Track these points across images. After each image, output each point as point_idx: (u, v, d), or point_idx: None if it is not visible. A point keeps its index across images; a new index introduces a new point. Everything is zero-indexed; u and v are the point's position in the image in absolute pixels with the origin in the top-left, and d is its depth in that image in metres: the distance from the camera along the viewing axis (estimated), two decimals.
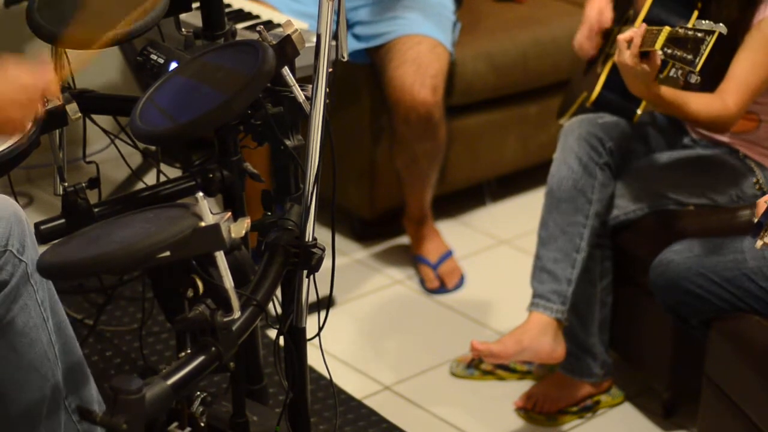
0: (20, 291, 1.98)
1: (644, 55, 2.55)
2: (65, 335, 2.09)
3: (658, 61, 2.54)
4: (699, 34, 2.46)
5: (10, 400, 2.03)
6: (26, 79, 1.86)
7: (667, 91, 2.61)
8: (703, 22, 2.49)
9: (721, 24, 2.46)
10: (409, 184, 3.51)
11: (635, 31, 2.56)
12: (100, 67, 3.88)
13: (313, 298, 2.15)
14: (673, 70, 2.53)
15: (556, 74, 3.72)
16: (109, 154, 2.69)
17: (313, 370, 2.61)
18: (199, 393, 2.01)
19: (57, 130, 2.30)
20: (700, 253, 2.59)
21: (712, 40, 2.45)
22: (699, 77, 2.49)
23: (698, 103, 2.64)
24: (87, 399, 2.14)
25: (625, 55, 2.56)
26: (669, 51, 2.50)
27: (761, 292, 2.50)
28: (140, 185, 2.47)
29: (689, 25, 2.52)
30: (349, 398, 2.95)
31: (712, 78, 2.65)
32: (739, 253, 2.54)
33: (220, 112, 1.90)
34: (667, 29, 2.51)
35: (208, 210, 1.78)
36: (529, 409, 2.96)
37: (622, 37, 2.57)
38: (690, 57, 2.47)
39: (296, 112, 2.16)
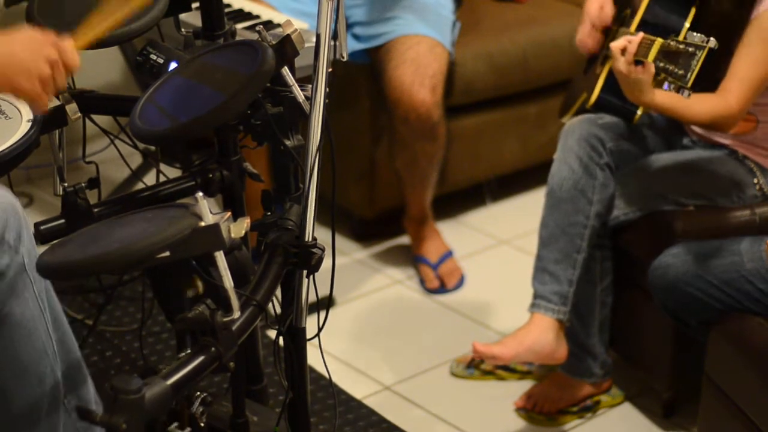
0: (17, 282, 1.97)
1: (639, 63, 2.56)
2: (62, 329, 2.08)
3: (653, 69, 2.53)
4: (690, 49, 2.46)
5: (9, 393, 2.02)
6: (38, 34, 1.85)
7: (663, 96, 2.60)
8: (695, 34, 2.48)
9: (712, 38, 2.45)
10: (409, 184, 3.51)
11: (630, 39, 2.56)
12: (100, 67, 3.88)
13: (312, 298, 2.15)
14: (666, 83, 2.53)
15: (556, 74, 3.72)
16: (108, 154, 2.69)
17: (312, 370, 2.60)
18: (199, 393, 2.00)
19: (57, 130, 2.30)
20: (698, 256, 2.59)
21: (702, 56, 2.44)
22: (691, 92, 2.48)
23: (698, 105, 2.64)
24: (84, 397, 2.13)
25: (619, 63, 2.56)
26: (661, 65, 2.51)
27: (759, 294, 2.50)
28: (140, 185, 2.47)
29: (680, 38, 2.51)
30: (349, 398, 2.95)
31: (711, 73, 2.65)
32: (737, 255, 2.54)
33: (219, 112, 1.91)
34: (659, 41, 2.51)
35: (207, 210, 1.78)
36: (529, 409, 2.96)
37: (616, 45, 2.57)
38: (681, 72, 2.46)
39: (296, 112, 2.16)
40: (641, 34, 2.56)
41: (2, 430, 2.06)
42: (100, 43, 2.10)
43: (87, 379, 2.15)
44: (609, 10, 2.94)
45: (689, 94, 2.49)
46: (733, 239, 2.60)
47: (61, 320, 2.09)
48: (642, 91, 2.58)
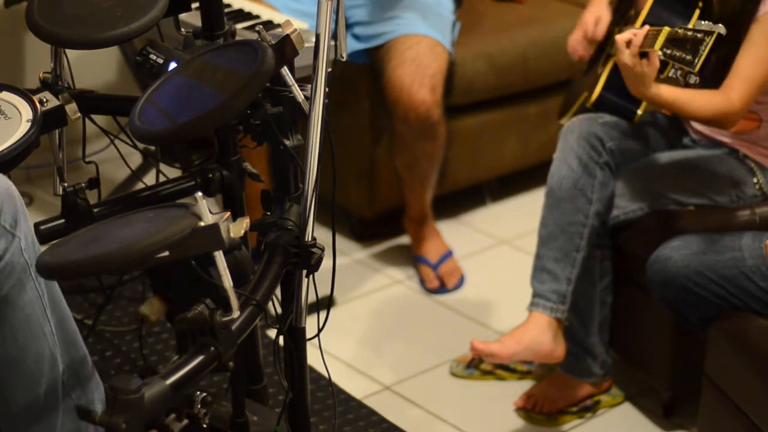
0: (14, 266, 1.97)
1: (643, 56, 2.56)
2: (61, 311, 2.08)
3: (657, 62, 2.55)
4: (698, 35, 2.47)
5: (7, 377, 2.01)
6: None
7: (667, 90, 2.62)
8: (703, 22, 2.49)
9: (720, 24, 2.46)
10: (409, 184, 3.51)
11: (635, 32, 2.57)
12: (100, 67, 3.88)
13: (312, 298, 2.15)
14: (673, 70, 2.54)
15: (556, 74, 3.72)
16: (108, 154, 2.69)
17: (312, 370, 2.61)
18: (199, 393, 2.01)
19: (57, 130, 2.30)
20: (698, 250, 2.59)
21: (710, 41, 2.45)
22: (698, 78, 2.50)
23: (700, 101, 2.65)
24: (90, 393, 2.13)
25: (624, 56, 2.57)
26: (668, 51, 2.51)
27: (759, 292, 2.50)
28: (140, 185, 2.47)
29: (689, 26, 2.52)
30: (349, 398, 2.95)
31: (716, 70, 2.65)
32: (738, 251, 2.54)
33: (219, 112, 1.90)
34: (666, 30, 2.52)
35: (207, 210, 1.78)
36: (529, 409, 2.96)
37: (621, 38, 2.59)
38: (689, 58, 2.48)
39: (295, 112, 2.16)
40: (647, 27, 2.58)
41: (0, 415, 2.06)
42: (100, 43, 2.11)
43: (94, 375, 2.14)
44: (604, 26, 2.99)
45: (696, 80, 2.50)
46: (734, 234, 2.60)
47: (60, 302, 2.08)
48: (645, 84, 2.59)
